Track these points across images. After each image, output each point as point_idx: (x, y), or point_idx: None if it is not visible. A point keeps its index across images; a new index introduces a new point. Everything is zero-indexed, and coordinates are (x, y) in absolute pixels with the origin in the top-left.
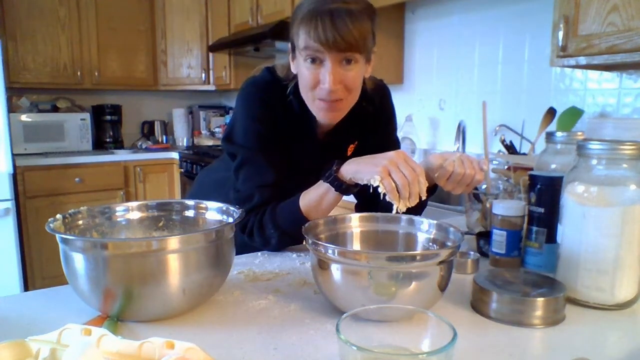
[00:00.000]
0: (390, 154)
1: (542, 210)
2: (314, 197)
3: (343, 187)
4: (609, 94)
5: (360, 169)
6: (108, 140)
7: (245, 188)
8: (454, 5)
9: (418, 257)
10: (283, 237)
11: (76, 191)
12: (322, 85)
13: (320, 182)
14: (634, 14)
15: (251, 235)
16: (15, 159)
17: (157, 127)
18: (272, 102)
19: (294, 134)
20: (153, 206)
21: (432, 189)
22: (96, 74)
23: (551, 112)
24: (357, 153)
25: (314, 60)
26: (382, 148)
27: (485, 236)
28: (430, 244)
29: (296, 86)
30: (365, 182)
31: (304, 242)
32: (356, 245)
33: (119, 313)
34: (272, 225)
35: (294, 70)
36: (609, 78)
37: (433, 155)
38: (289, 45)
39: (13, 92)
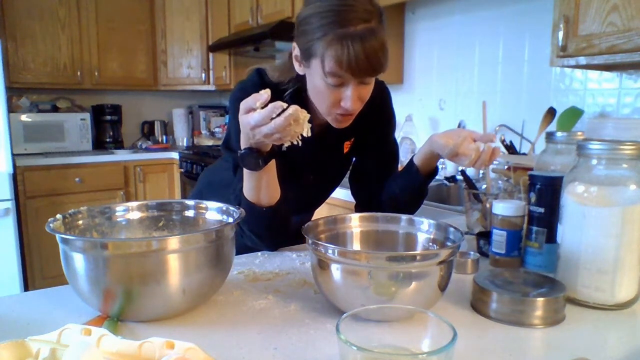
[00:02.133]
0: (243, 124)
1: (542, 210)
2: (245, 182)
3: (252, 162)
4: (609, 94)
5: (242, 142)
6: (108, 140)
7: (236, 189)
8: (454, 5)
9: (418, 257)
10: (256, 231)
11: (76, 191)
12: (343, 104)
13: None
14: (634, 14)
15: (242, 237)
16: (15, 159)
17: (157, 127)
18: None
19: None
20: (153, 206)
21: (433, 172)
22: (96, 74)
23: (551, 112)
24: (354, 150)
25: (336, 84)
26: (379, 148)
27: (485, 236)
28: (430, 244)
29: (295, 91)
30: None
31: (306, 242)
32: (356, 245)
33: (119, 313)
34: (242, 222)
35: (300, 72)
36: (609, 78)
37: (437, 135)
38: (296, 47)
39: (13, 92)
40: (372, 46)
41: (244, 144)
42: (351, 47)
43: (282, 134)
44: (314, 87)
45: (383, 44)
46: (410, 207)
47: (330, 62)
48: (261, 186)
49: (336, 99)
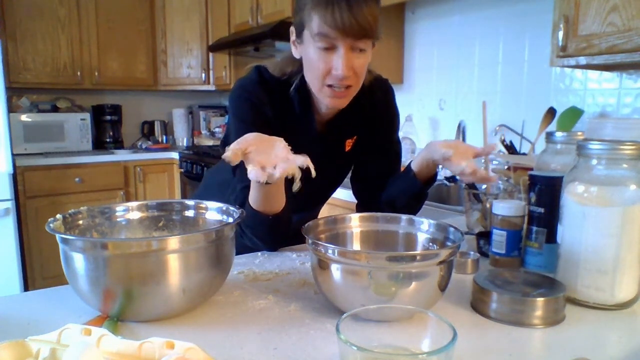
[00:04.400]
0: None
1: (542, 210)
2: (252, 192)
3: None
4: (609, 94)
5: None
6: (108, 140)
7: (236, 190)
8: (454, 5)
9: (418, 257)
10: (259, 237)
11: (76, 191)
12: (334, 71)
13: None
14: (634, 14)
15: (242, 237)
16: (15, 159)
17: (157, 127)
18: (260, 102)
19: (292, 130)
20: (153, 206)
21: (432, 179)
22: (96, 74)
23: (551, 112)
24: (356, 148)
25: (326, 47)
26: (382, 147)
27: (485, 236)
28: (430, 244)
29: (300, 84)
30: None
31: (306, 242)
32: (356, 245)
33: (119, 313)
34: (244, 226)
35: (297, 55)
36: (609, 78)
37: (436, 142)
38: (293, 30)
39: (13, 92)
40: (359, 6)
41: None
42: (335, 5)
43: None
44: (307, 63)
45: (373, 10)
46: (409, 211)
47: (317, 22)
48: (270, 197)
49: (327, 67)
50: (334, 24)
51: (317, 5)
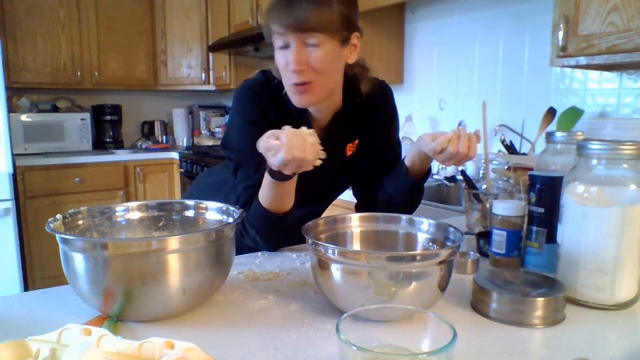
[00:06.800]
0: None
1: (542, 210)
2: (265, 190)
3: (275, 173)
4: (609, 94)
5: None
6: (108, 140)
7: (238, 189)
8: (454, 5)
9: (418, 257)
10: (264, 236)
11: (76, 191)
12: (289, 66)
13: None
14: (634, 14)
15: (242, 237)
16: (15, 159)
17: (157, 127)
18: (265, 103)
19: None
20: (153, 206)
21: (426, 174)
22: (96, 74)
23: (551, 112)
24: (358, 153)
25: (283, 45)
26: (384, 149)
27: (485, 236)
28: (430, 244)
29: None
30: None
31: (306, 242)
32: (356, 245)
33: (119, 313)
34: (249, 225)
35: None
36: (609, 78)
37: (425, 135)
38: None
39: (13, 92)
40: (299, 3)
41: None
42: (277, 5)
43: (303, 157)
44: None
45: (320, 7)
46: (406, 208)
47: (267, 22)
48: (283, 195)
49: (285, 64)
50: (276, 22)
51: (268, 9)
